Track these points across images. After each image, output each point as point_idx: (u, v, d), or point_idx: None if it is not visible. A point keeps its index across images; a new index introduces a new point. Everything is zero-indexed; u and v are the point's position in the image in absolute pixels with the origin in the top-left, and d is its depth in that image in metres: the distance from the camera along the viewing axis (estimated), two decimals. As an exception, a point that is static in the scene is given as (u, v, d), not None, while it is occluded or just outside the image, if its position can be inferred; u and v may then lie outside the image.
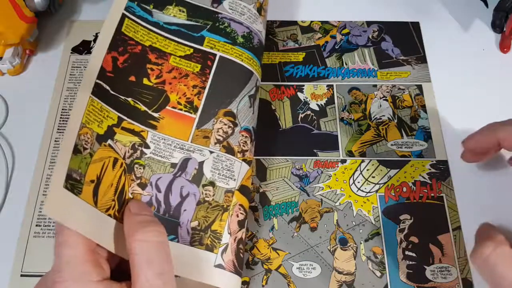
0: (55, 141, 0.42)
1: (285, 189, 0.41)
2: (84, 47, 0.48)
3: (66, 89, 0.45)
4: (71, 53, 0.47)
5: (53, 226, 0.39)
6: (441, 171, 0.41)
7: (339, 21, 0.50)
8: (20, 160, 0.42)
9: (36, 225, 0.39)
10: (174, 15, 0.37)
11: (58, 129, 0.43)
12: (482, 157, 0.39)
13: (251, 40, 0.38)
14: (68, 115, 0.44)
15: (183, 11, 0.37)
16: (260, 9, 0.41)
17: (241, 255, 0.34)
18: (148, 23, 0.36)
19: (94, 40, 0.48)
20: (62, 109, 0.44)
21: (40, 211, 0.39)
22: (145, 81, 0.35)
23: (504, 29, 0.47)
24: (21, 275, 0.37)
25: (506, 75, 0.46)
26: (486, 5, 0.50)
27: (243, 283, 0.37)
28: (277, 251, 0.38)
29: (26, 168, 0.41)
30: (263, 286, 0.37)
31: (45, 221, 0.39)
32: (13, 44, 0.44)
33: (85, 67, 0.46)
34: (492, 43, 0.48)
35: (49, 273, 0.27)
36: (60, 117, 0.44)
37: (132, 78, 0.34)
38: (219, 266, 0.32)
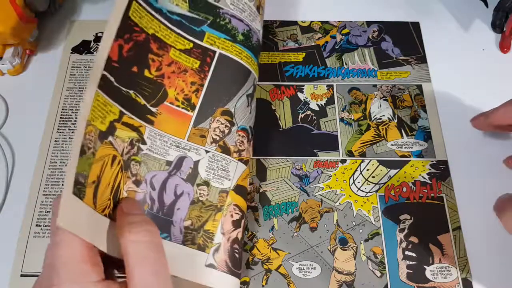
0: (55, 141, 0.42)
1: (285, 189, 0.41)
2: (84, 47, 0.48)
3: (66, 89, 0.45)
4: (71, 53, 0.47)
5: (53, 226, 0.39)
6: (441, 171, 0.41)
7: (339, 21, 0.50)
8: (20, 160, 0.42)
9: (36, 225, 0.39)
10: (177, 4, 0.36)
11: (58, 129, 0.43)
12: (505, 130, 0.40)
13: (251, 38, 0.38)
14: (68, 115, 0.44)
15: (185, 1, 0.37)
16: (259, 8, 0.40)
17: (237, 255, 0.33)
18: (152, 8, 0.34)
19: (94, 40, 0.48)
20: (62, 109, 0.44)
21: (40, 211, 0.39)
22: (146, 72, 0.34)
23: (504, 29, 0.47)
24: (21, 275, 0.37)
25: (506, 75, 0.46)
26: (486, 5, 0.50)
27: (243, 283, 0.37)
28: (277, 251, 0.38)
29: (26, 168, 0.41)
30: (263, 286, 0.37)
31: (45, 221, 0.39)
32: (13, 44, 0.44)
33: (85, 67, 0.46)
34: (492, 43, 0.48)
35: (42, 276, 0.26)
36: (60, 117, 0.44)
37: (135, 69, 0.33)
38: (211, 265, 0.32)
